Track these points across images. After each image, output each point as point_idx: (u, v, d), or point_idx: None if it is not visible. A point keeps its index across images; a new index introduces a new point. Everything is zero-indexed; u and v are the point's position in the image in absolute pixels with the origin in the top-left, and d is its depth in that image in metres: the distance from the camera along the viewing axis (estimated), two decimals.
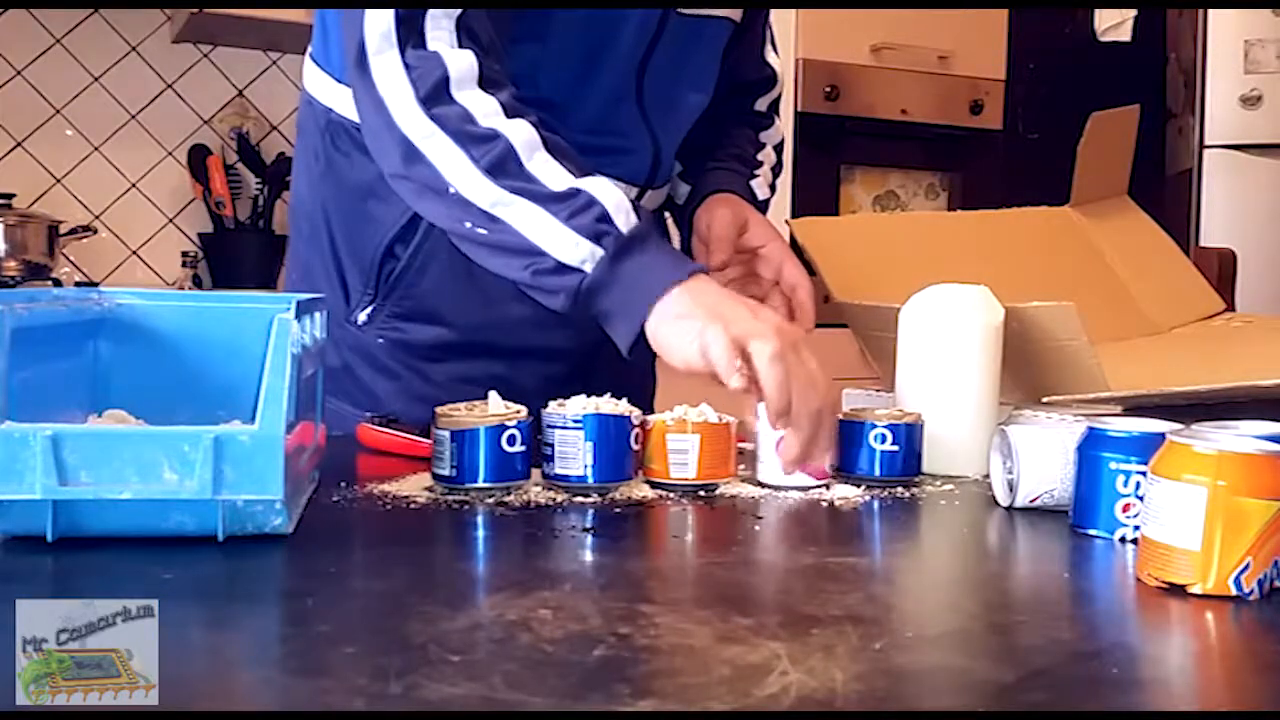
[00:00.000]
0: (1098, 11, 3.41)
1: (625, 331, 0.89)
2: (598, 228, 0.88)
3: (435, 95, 0.90)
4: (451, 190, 0.90)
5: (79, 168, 2.75)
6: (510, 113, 0.91)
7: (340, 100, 1.12)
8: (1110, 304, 1.49)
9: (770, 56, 1.30)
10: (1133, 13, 3.39)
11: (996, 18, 3.21)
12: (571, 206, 0.88)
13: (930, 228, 1.57)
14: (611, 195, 0.90)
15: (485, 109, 0.91)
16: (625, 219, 0.89)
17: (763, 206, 1.21)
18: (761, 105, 1.29)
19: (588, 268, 0.88)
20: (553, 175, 0.90)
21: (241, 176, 2.80)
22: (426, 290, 1.10)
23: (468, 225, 0.91)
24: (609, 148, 1.09)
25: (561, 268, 0.89)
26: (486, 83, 0.92)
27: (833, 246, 1.33)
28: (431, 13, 0.92)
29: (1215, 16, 3.24)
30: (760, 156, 1.25)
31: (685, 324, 0.86)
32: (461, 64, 0.91)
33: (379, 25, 0.92)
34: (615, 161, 1.10)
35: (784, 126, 1.33)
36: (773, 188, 1.26)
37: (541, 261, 0.89)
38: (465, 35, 0.93)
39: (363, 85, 0.93)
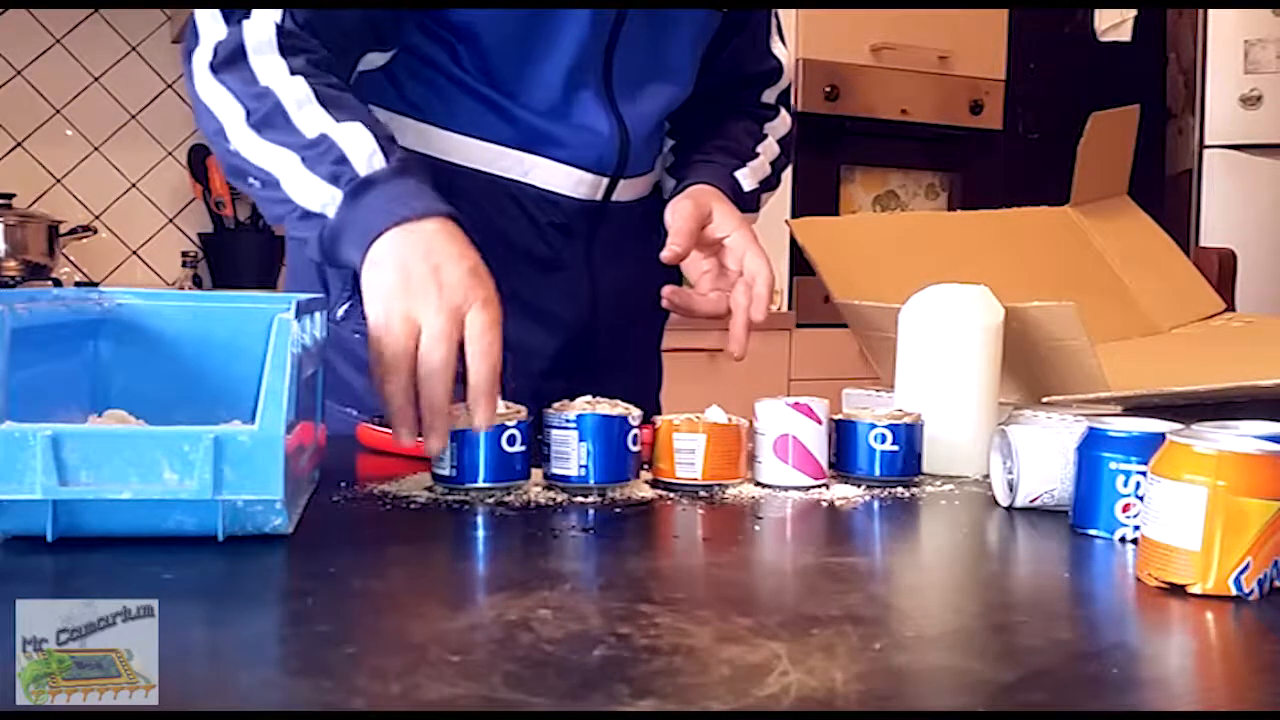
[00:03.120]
0: (1098, 11, 3.41)
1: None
2: (334, 170, 0.87)
3: (228, 61, 0.92)
4: (232, 148, 0.92)
5: (79, 168, 2.75)
6: (295, 72, 0.92)
7: None
8: (1110, 304, 1.49)
9: (777, 47, 1.27)
10: (1133, 13, 3.39)
11: (996, 18, 3.21)
12: (315, 152, 0.88)
13: (930, 228, 1.57)
14: (358, 140, 0.89)
15: (270, 70, 0.92)
16: (367, 163, 0.88)
17: (749, 198, 1.18)
18: (769, 97, 1.27)
19: (329, 213, 0.88)
20: (312, 125, 0.90)
21: None
22: None
23: (250, 181, 0.92)
24: (568, 136, 1.08)
25: (307, 214, 0.89)
26: (285, 50, 0.93)
27: (833, 246, 1.33)
28: None
29: (1215, 16, 3.24)
30: (759, 148, 1.22)
31: (366, 277, 0.83)
32: (262, 33, 0.93)
33: (208, 10, 0.95)
34: (577, 150, 1.09)
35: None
36: (768, 182, 1.23)
37: (295, 211, 0.89)
38: (288, 15, 0.94)
39: (185, 64, 0.96)
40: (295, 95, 0.91)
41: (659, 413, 0.95)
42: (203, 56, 0.94)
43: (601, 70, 1.08)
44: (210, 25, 0.95)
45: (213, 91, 0.93)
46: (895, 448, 0.91)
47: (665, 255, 1.04)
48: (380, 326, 0.81)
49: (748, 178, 1.18)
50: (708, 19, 1.15)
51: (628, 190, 1.15)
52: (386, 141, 0.90)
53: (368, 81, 1.07)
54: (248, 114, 0.91)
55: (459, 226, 0.87)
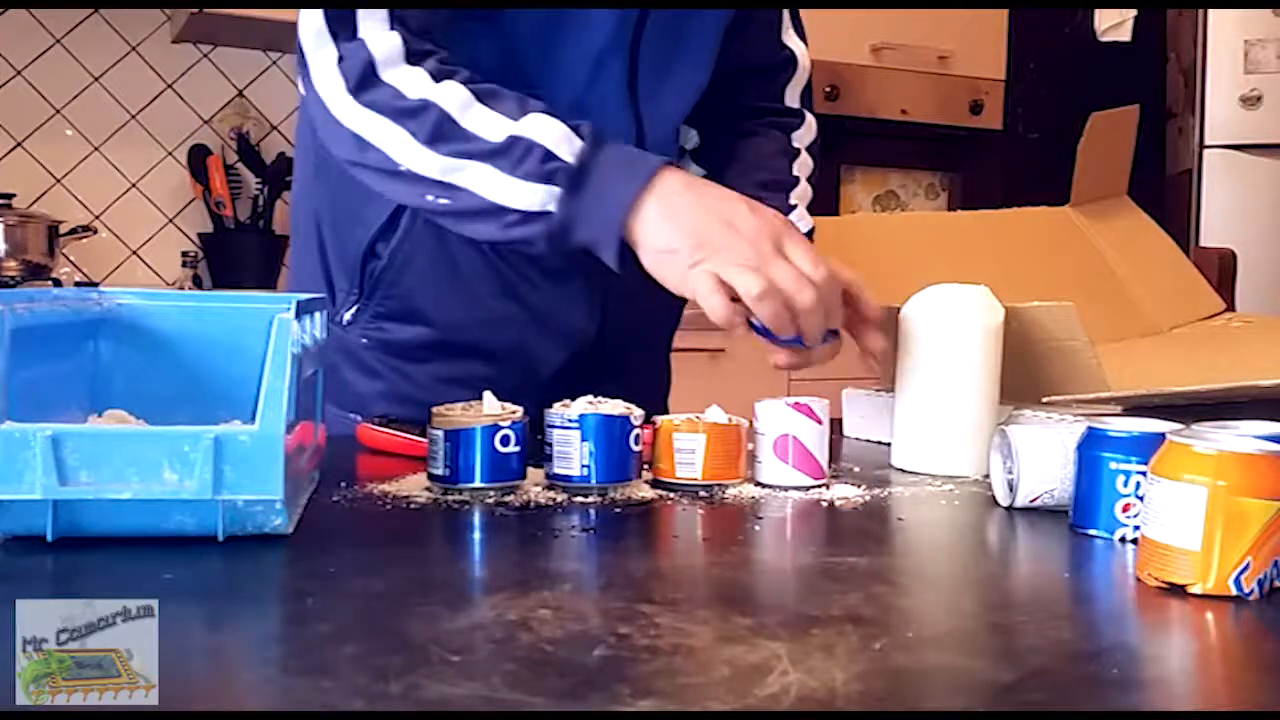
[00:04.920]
0: (1098, 11, 3.41)
1: (610, 254, 0.90)
2: (545, 168, 0.89)
3: (364, 82, 0.92)
4: (403, 169, 0.92)
5: (79, 168, 2.75)
6: (438, 77, 0.92)
7: None
8: (1110, 304, 1.49)
9: (791, 39, 1.25)
10: (1133, 13, 3.39)
11: (996, 18, 3.21)
12: (514, 156, 0.89)
13: (930, 228, 1.57)
14: (550, 130, 0.90)
15: (413, 82, 0.92)
16: (569, 148, 0.89)
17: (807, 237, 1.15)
18: (791, 97, 1.25)
19: (552, 208, 0.89)
20: (490, 127, 0.90)
21: (241, 176, 2.80)
22: (408, 289, 1.10)
23: (429, 199, 0.93)
24: None
25: (528, 216, 0.90)
26: (412, 56, 0.93)
27: (833, 246, 1.33)
28: (361, 11, 0.93)
29: (1215, 16, 3.24)
30: (796, 169, 1.20)
31: (671, 259, 0.88)
32: (386, 46, 0.92)
33: (313, 23, 0.94)
34: None
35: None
36: (811, 203, 1.19)
37: (507, 216, 0.90)
38: (396, 21, 0.94)
39: (306, 85, 0.95)
40: (454, 101, 0.91)
41: (668, 413, 0.95)
42: (331, 82, 0.93)
43: (627, 66, 1.07)
44: (320, 47, 0.93)
45: (360, 117, 0.92)
46: None
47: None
48: (771, 309, 0.86)
49: (802, 217, 1.16)
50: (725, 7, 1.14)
51: None
52: (561, 117, 0.91)
53: None
54: (412, 133, 0.90)
55: (678, 166, 0.91)
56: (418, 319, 1.11)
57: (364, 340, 1.12)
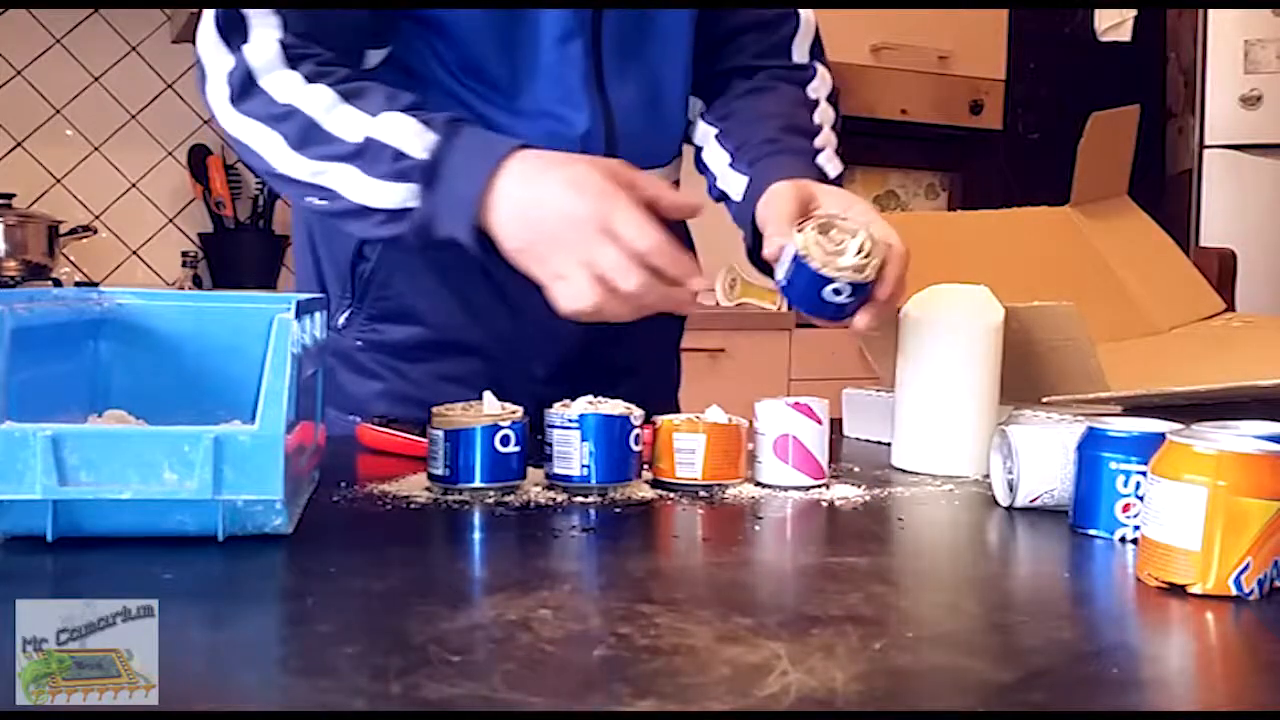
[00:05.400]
0: (1098, 11, 3.41)
1: (471, 245, 0.90)
2: (398, 167, 0.89)
3: (244, 91, 0.93)
4: (279, 173, 0.93)
5: (79, 168, 2.75)
6: (312, 79, 0.93)
7: None
8: (1110, 304, 1.49)
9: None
10: (1133, 13, 3.39)
11: (996, 18, 3.21)
12: (369, 157, 0.90)
13: (930, 228, 1.57)
14: (401, 129, 0.90)
15: (284, 87, 0.93)
16: (421, 144, 0.89)
17: (835, 184, 1.06)
18: (799, 52, 1.18)
19: (413, 204, 0.90)
20: (350, 128, 0.91)
21: (241, 176, 2.79)
22: (399, 290, 1.10)
23: (309, 200, 0.94)
24: (545, 137, 1.01)
25: (392, 215, 0.91)
26: (292, 60, 0.94)
27: None
28: (252, 11, 0.94)
29: (1215, 16, 3.24)
30: (817, 117, 1.14)
31: (524, 261, 0.89)
32: (265, 53, 0.93)
33: (209, 36, 0.95)
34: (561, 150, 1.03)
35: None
36: (839, 150, 1.13)
37: (375, 216, 0.92)
38: (281, 25, 0.94)
39: (202, 98, 0.97)
40: (318, 105, 0.92)
41: (678, 412, 0.94)
42: (218, 93, 0.94)
43: (589, 53, 1.04)
44: (214, 57, 0.95)
45: (240, 125, 0.94)
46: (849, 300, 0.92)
47: (768, 252, 0.96)
48: (601, 313, 0.87)
49: (829, 161, 1.10)
50: None
51: None
52: (418, 112, 0.91)
53: None
54: (284, 137, 0.92)
55: (527, 147, 0.90)
56: (410, 318, 1.11)
57: (358, 343, 1.12)
